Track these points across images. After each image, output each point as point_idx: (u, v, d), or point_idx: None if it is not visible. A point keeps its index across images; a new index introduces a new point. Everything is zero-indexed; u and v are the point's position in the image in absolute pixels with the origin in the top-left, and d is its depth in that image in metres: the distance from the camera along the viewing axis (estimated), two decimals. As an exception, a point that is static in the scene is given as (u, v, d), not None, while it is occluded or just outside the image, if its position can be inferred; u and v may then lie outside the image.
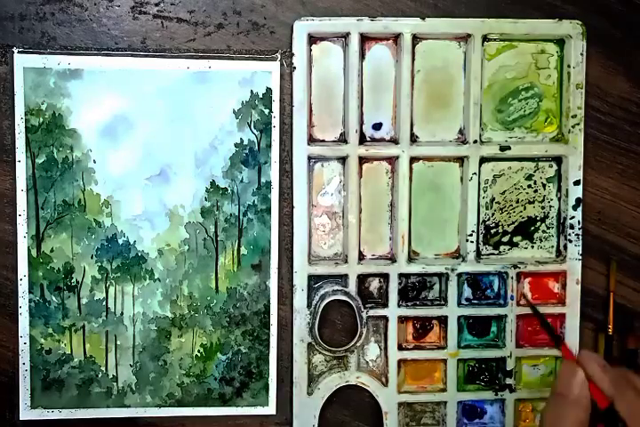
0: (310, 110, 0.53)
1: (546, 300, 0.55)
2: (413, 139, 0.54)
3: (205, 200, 0.53)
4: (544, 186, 0.55)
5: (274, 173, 0.53)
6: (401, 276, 0.54)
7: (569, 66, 0.54)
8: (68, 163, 0.52)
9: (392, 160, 0.54)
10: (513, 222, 0.55)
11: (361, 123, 0.54)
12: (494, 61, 0.54)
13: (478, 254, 0.55)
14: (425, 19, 0.53)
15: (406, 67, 0.53)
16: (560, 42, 0.54)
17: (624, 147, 0.56)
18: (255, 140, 0.53)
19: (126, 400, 0.53)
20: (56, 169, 0.52)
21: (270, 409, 0.54)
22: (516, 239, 0.55)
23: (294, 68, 0.52)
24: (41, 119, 0.51)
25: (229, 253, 0.53)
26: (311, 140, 0.53)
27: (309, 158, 0.53)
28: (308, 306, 0.53)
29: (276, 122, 0.53)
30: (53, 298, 0.52)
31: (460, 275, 0.54)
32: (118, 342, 0.53)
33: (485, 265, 0.54)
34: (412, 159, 0.54)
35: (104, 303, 0.53)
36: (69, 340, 0.53)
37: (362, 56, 0.53)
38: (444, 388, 0.55)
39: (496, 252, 0.55)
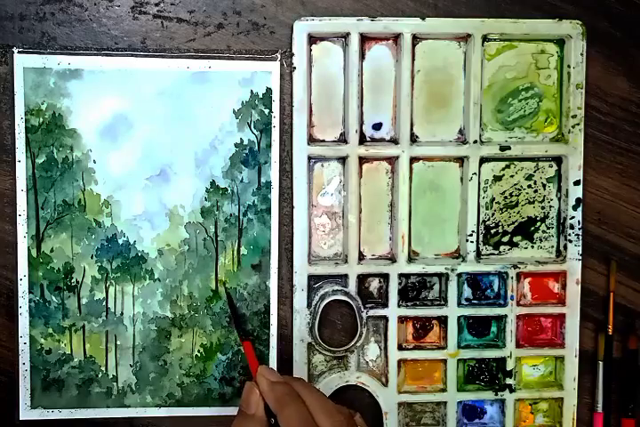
0: (310, 110, 0.53)
1: (546, 300, 0.55)
2: (413, 139, 0.54)
3: (205, 200, 0.53)
4: (544, 186, 0.55)
5: (274, 173, 0.53)
6: (401, 276, 0.54)
7: (569, 66, 0.54)
8: (67, 163, 0.52)
9: (392, 160, 0.54)
10: (513, 222, 0.55)
11: (361, 123, 0.54)
12: (494, 61, 0.54)
13: (478, 254, 0.55)
14: (425, 19, 0.53)
15: (406, 67, 0.53)
16: (560, 42, 0.54)
17: (624, 147, 0.56)
18: (255, 140, 0.53)
19: (126, 400, 0.53)
20: (56, 169, 0.52)
21: (270, 409, 0.54)
22: (515, 239, 0.55)
23: (294, 68, 0.52)
24: (41, 119, 0.51)
25: (229, 253, 0.53)
26: (311, 140, 0.53)
27: (309, 158, 0.53)
28: (308, 306, 0.53)
29: (275, 122, 0.53)
30: (53, 298, 0.52)
31: (459, 275, 0.54)
32: (118, 342, 0.53)
33: (485, 265, 0.54)
34: (412, 159, 0.54)
35: (104, 303, 0.53)
36: (69, 340, 0.53)
37: (362, 56, 0.53)
38: (444, 388, 0.55)
39: (496, 252, 0.55)
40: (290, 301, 0.54)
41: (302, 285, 0.53)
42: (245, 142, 0.53)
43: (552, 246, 0.56)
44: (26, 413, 0.53)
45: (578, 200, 0.54)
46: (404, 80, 0.53)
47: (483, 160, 0.54)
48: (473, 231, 0.54)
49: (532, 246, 0.56)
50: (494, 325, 0.55)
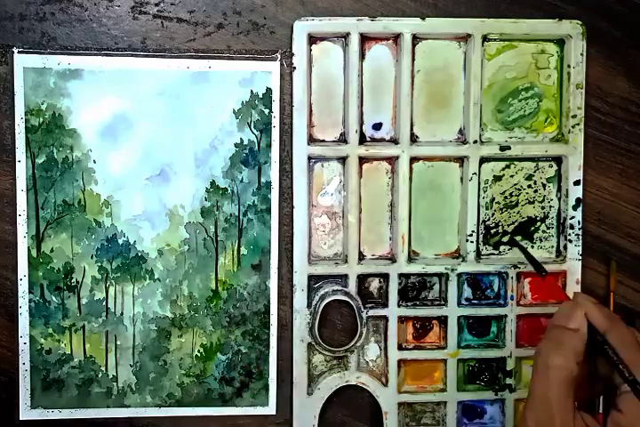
0: (310, 110, 0.53)
1: (546, 300, 0.55)
2: (413, 139, 0.54)
3: (205, 200, 0.53)
4: (544, 186, 0.55)
5: (274, 173, 0.53)
6: (401, 276, 0.54)
7: (569, 66, 0.54)
8: (67, 163, 0.52)
9: (392, 160, 0.54)
10: (513, 222, 0.55)
11: (361, 123, 0.54)
12: (494, 61, 0.54)
13: (478, 254, 0.55)
14: (425, 19, 0.53)
15: (406, 67, 0.53)
16: (560, 42, 0.54)
17: (624, 147, 0.56)
18: (255, 141, 0.53)
19: (126, 400, 0.53)
20: (56, 169, 0.52)
21: (270, 409, 0.54)
22: (516, 239, 0.55)
23: (294, 68, 0.52)
24: (41, 119, 0.51)
25: (229, 253, 0.53)
26: (311, 140, 0.53)
27: (309, 158, 0.53)
28: (308, 306, 0.53)
29: (276, 122, 0.53)
30: (53, 298, 0.52)
31: (460, 275, 0.54)
32: (118, 342, 0.53)
33: (485, 265, 0.54)
34: (412, 159, 0.54)
35: (104, 303, 0.53)
36: (69, 340, 0.53)
37: (362, 56, 0.53)
38: (444, 388, 0.55)
39: (496, 252, 0.55)
40: (290, 301, 0.54)
41: (302, 285, 0.53)
42: (245, 142, 0.53)
43: (552, 246, 0.56)
44: (26, 413, 0.53)
45: (578, 200, 0.54)
46: (404, 80, 0.53)
47: (483, 160, 0.54)
48: (473, 231, 0.54)
49: (532, 246, 0.56)
50: (494, 325, 0.55)
